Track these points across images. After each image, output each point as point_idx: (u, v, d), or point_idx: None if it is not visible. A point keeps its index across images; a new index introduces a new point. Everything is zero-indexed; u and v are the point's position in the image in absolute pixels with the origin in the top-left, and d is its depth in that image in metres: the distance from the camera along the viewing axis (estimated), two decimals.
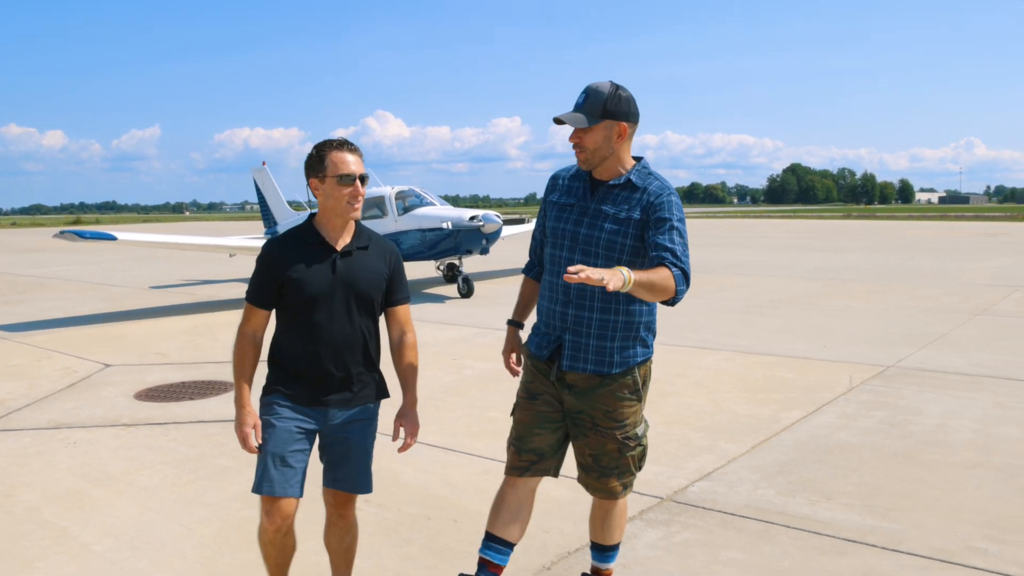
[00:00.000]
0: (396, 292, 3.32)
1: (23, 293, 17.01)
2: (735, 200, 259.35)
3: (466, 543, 4.22)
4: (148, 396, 7.51)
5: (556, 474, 3.39)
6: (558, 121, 3.11)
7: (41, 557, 4.13)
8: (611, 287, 2.64)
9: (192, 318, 12.89)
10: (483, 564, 3.35)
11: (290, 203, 21.91)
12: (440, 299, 15.11)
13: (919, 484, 4.99)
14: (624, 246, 3.12)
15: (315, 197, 3.17)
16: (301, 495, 3.15)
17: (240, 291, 17.34)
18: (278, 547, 3.23)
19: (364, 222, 17.75)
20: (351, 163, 3.14)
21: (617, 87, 3.12)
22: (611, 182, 3.18)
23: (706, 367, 8.53)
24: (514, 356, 3.58)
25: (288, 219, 20.74)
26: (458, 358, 9.21)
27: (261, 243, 18.64)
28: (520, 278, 3.70)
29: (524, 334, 3.58)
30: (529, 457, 3.31)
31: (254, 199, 22.98)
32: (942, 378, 7.79)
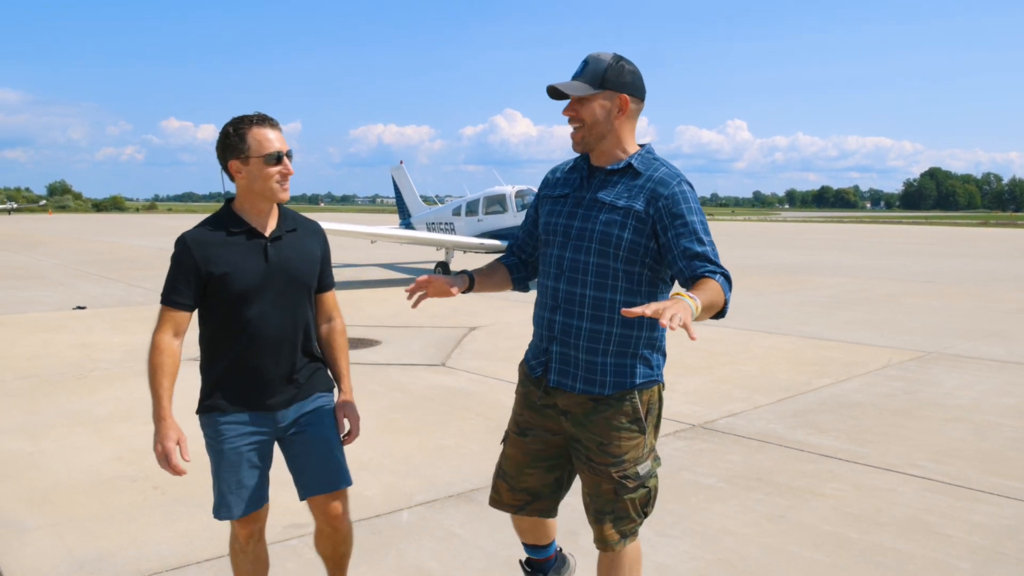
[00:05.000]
0: (326, 276, 3.05)
1: None
2: (868, 205, 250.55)
3: None
4: None
5: (555, 514, 3.07)
6: (552, 90, 2.72)
7: None
8: (676, 324, 2.13)
9: (343, 294, 15.18)
10: (530, 563, 3.27)
11: (423, 198, 24.39)
12: None
13: (901, 428, 6.39)
14: (622, 240, 2.65)
15: (233, 182, 2.84)
16: (266, 501, 2.97)
17: (378, 274, 19.78)
18: (251, 557, 3.03)
19: (486, 218, 19.74)
20: (275, 140, 2.79)
21: (620, 58, 2.71)
22: (609, 167, 2.75)
23: (767, 346, 9.97)
24: (423, 286, 2.86)
25: (421, 212, 23.12)
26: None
27: (403, 232, 20.99)
28: None
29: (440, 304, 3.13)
30: (523, 497, 2.98)
31: (385, 193, 25.88)
32: (974, 363, 8.93)
